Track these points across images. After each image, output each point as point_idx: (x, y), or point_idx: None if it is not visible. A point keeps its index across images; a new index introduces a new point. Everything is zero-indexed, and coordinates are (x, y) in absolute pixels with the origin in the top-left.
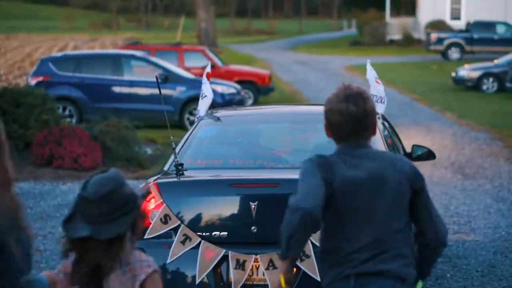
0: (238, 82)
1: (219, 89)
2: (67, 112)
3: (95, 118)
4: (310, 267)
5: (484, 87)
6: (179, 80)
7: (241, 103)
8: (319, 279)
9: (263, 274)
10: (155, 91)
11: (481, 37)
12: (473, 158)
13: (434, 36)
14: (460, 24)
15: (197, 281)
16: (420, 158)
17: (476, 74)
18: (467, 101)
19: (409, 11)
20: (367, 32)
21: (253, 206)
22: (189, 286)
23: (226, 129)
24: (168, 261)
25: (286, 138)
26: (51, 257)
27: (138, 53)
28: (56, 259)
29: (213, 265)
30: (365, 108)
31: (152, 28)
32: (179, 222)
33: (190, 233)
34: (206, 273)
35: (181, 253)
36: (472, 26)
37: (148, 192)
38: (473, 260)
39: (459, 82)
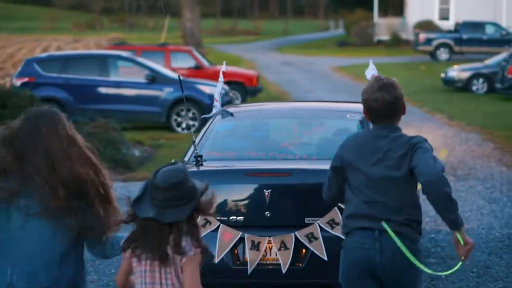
0: (226, 83)
1: (208, 90)
2: None
3: (81, 120)
4: (318, 248)
5: (474, 88)
6: (167, 81)
7: (229, 104)
8: (325, 258)
9: (276, 254)
10: (142, 92)
11: (470, 37)
12: (464, 159)
13: (422, 36)
14: (448, 25)
15: (217, 261)
16: None
17: (465, 75)
18: (457, 102)
19: (397, 12)
20: (355, 32)
21: (266, 193)
22: (209, 265)
23: (240, 123)
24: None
25: (294, 132)
26: None
27: (124, 53)
28: None
29: (230, 246)
30: (396, 94)
31: (136, 28)
32: None
33: (210, 218)
34: (224, 253)
35: (202, 235)
36: (461, 27)
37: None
38: (468, 261)
39: (449, 82)
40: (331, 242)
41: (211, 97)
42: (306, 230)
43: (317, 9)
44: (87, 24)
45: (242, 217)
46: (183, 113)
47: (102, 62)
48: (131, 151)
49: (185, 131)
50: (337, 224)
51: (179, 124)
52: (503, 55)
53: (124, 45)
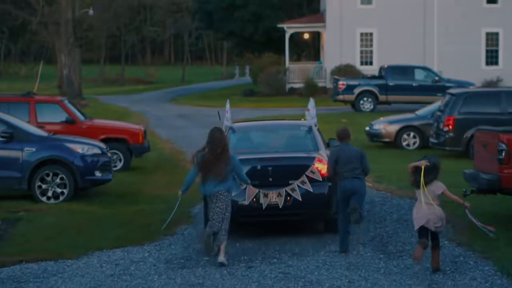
0: (105, 140)
1: (79, 149)
2: None
3: None
4: (296, 195)
5: (404, 143)
6: (28, 138)
7: (107, 166)
8: (300, 199)
9: (275, 199)
10: None
11: (397, 84)
12: (397, 232)
13: (342, 83)
14: (372, 69)
15: (246, 203)
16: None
17: (394, 128)
18: (384, 160)
19: (311, 55)
20: (264, 79)
21: (270, 169)
22: (242, 205)
23: (244, 134)
24: (233, 194)
25: (277, 137)
26: None
27: None
28: None
29: (253, 196)
30: (349, 131)
31: (5, 77)
32: None
33: (240, 182)
34: (250, 200)
35: (238, 192)
36: (387, 71)
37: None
38: None
39: (375, 137)
40: (302, 191)
41: (83, 157)
42: (290, 187)
43: (219, 53)
44: None
45: (258, 181)
46: (48, 178)
47: None
48: None
49: (52, 201)
50: (305, 183)
51: (43, 193)
52: (436, 104)
53: None
